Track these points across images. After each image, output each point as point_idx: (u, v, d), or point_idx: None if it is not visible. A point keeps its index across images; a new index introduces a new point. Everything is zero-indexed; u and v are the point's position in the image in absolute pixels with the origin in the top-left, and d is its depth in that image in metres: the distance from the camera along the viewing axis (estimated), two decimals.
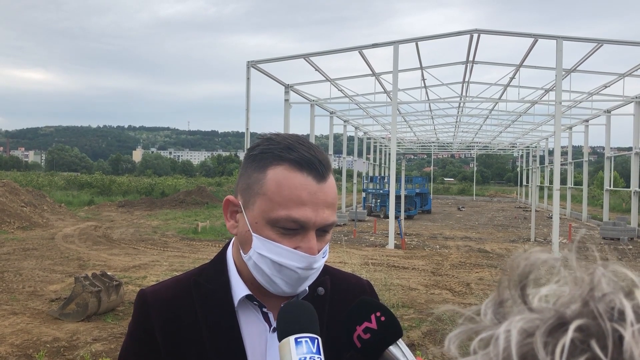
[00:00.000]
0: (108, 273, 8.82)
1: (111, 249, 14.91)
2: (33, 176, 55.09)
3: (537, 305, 0.44)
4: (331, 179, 1.17)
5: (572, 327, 0.39)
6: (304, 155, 1.13)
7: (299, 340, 0.95)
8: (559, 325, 0.40)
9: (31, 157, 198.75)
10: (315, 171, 1.13)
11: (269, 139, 1.19)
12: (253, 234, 1.15)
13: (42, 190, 31.12)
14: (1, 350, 6.60)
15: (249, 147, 1.23)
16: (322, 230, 1.15)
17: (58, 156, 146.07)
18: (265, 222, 1.13)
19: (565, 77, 19.42)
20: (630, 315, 0.39)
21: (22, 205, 22.16)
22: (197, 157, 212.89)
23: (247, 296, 1.22)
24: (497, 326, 0.43)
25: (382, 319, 1.01)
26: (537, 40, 16.76)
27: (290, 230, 1.12)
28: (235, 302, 1.22)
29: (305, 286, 1.20)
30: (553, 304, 0.43)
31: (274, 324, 1.21)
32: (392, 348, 1.00)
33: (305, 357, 0.94)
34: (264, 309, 1.22)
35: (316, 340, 0.96)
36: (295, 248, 1.13)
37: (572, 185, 33.01)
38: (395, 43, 16.90)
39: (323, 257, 1.18)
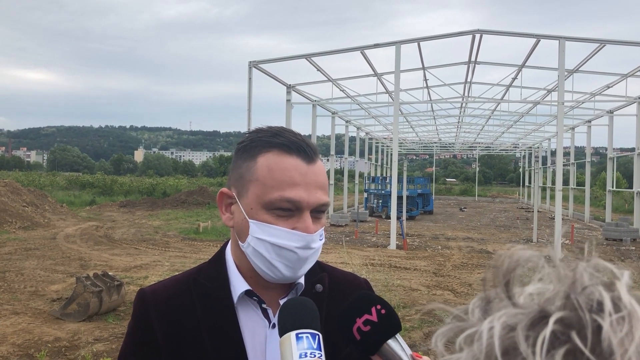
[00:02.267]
0: (109, 273, 8.82)
1: (112, 249, 14.91)
2: (35, 176, 55.24)
3: (522, 302, 0.45)
4: (320, 163, 1.21)
5: (552, 319, 0.40)
6: (291, 139, 1.18)
7: (300, 335, 0.96)
8: (540, 319, 0.41)
9: (33, 157, 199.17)
10: (304, 153, 1.17)
11: (256, 130, 1.24)
12: (249, 219, 1.17)
13: (44, 190, 31.19)
14: (3, 350, 6.60)
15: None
16: (316, 212, 1.18)
17: (60, 156, 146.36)
18: (261, 206, 1.16)
19: (567, 77, 19.39)
20: (608, 305, 0.40)
21: (24, 205, 22.18)
22: (198, 158, 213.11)
23: (246, 292, 1.22)
24: (482, 323, 0.44)
25: (383, 311, 1.01)
26: (539, 41, 16.73)
27: (285, 211, 1.15)
28: (235, 298, 1.22)
29: (305, 270, 1.21)
30: (538, 301, 0.44)
31: (273, 320, 1.22)
32: (390, 342, 1.00)
33: (306, 353, 0.94)
34: (263, 305, 1.23)
35: (317, 336, 0.97)
36: (292, 229, 1.15)
37: (575, 186, 32.95)
38: (397, 43, 16.87)
39: (320, 240, 1.20)
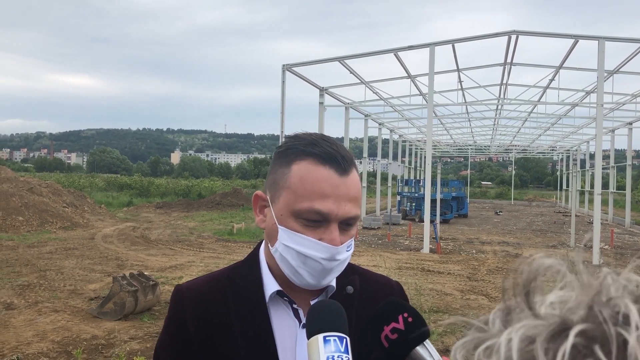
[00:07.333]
0: (145, 273, 8.97)
1: (149, 250, 15.18)
2: (75, 178, 56.65)
3: (543, 312, 0.43)
4: (354, 174, 1.20)
5: (573, 332, 0.38)
6: (326, 149, 1.17)
7: (327, 338, 0.96)
8: (561, 331, 0.39)
9: (73, 159, 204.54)
10: (337, 165, 1.17)
11: (295, 136, 1.25)
12: (279, 225, 1.19)
13: (83, 192, 31.96)
14: (42, 346, 6.79)
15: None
16: (345, 224, 1.18)
17: (99, 158, 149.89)
18: (290, 214, 1.17)
19: (607, 78, 18.89)
20: (635, 319, 0.38)
21: (64, 206, 22.78)
22: (233, 160, 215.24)
23: (277, 292, 1.25)
24: (502, 334, 0.42)
25: (410, 319, 1.01)
26: (577, 41, 16.35)
27: (313, 222, 1.16)
28: (267, 298, 1.25)
29: (330, 279, 1.22)
30: (560, 310, 0.42)
31: (303, 320, 1.23)
32: (419, 348, 1.00)
33: (333, 356, 0.94)
34: (294, 305, 1.25)
35: (345, 339, 0.97)
36: (318, 239, 1.16)
37: (615, 190, 32.05)
38: (431, 45, 16.72)
39: (347, 251, 1.20)
